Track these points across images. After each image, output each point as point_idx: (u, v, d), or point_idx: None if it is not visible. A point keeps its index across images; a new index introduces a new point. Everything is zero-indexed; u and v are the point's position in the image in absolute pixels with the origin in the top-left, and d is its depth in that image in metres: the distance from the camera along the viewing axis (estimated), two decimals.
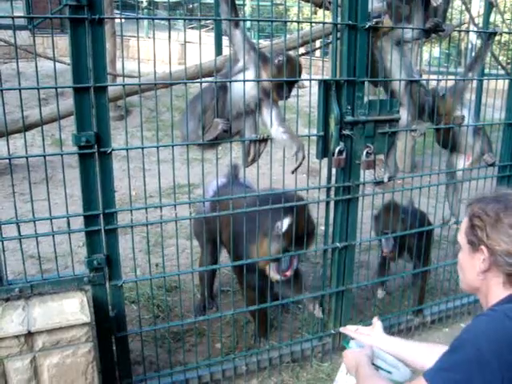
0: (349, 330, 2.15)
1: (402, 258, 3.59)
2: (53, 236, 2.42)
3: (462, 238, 1.65)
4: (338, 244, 3.03)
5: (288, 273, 2.97)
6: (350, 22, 2.70)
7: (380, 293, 3.87)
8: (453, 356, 1.42)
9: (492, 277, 1.55)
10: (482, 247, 1.54)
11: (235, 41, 2.62)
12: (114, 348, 2.64)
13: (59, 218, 2.44)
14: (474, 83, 4.86)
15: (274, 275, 2.97)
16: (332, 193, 3.00)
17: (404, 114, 3.08)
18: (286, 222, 2.84)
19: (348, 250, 3.07)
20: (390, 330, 3.39)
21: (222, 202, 2.80)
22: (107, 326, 2.56)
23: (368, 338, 2.03)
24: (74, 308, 2.35)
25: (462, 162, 3.52)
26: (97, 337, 2.53)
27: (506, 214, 1.50)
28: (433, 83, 3.50)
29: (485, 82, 4.33)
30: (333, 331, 3.21)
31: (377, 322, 2.07)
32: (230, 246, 2.98)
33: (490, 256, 1.52)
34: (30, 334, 2.21)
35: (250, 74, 2.69)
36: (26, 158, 2.28)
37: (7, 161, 2.34)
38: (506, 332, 1.37)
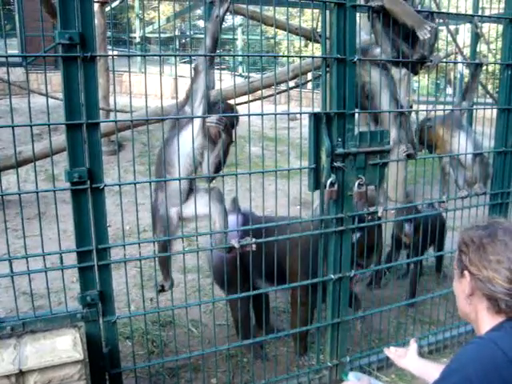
0: (390, 351, 2.32)
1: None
2: (45, 272, 2.41)
3: (454, 265, 1.71)
4: (332, 276, 3.02)
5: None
6: (339, 55, 2.74)
7: None
8: (445, 383, 1.44)
9: (477, 302, 1.59)
10: (465, 272, 1.59)
11: (199, 80, 2.62)
12: None
13: (52, 254, 2.43)
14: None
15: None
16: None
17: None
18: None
19: (342, 282, 3.06)
20: (387, 361, 3.36)
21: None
22: (101, 362, 2.52)
23: (401, 358, 2.22)
24: (66, 345, 2.32)
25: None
26: (90, 374, 2.48)
27: (489, 240, 1.55)
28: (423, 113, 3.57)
29: (474, 110, 4.42)
30: (329, 364, 3.18)
31: (413, 344, 2.24)
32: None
33: (472, 281, 1.57)
34: (21, 374, 2.17)
35: (196, 122, 2.69)
36: (19, 194, 2.29)
37: (0, 197, 2.34)
38: (492, 359, 1.39)
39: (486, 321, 1.57)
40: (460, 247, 1.64)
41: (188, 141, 2.65)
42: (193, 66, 2.62)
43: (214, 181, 2.85)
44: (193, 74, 2.64)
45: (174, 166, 2.68)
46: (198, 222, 2.71)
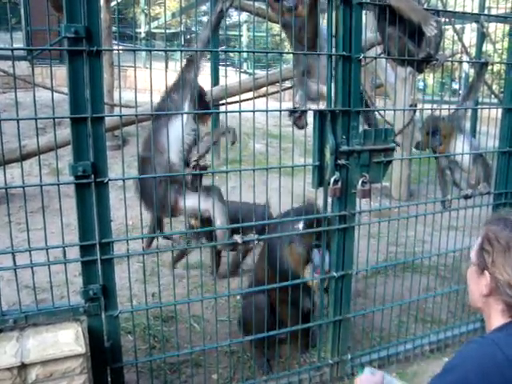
0: None
1: None
2: (48, 266, 2.41)
3: (473, 256, 1.63)
4: (334, 273, 3.02)
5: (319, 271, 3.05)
6: (345, 52, 2.74)
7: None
8: (443, 378, 1.47)
9: (492, 303, 1.55)
10: (486, 273, 1.53)
11: (190, 70, 2.71)
12: (109, 379, 2.60)
13: (55, 248, 2.43)
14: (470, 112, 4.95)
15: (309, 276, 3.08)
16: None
17: None
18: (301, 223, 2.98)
19: (345, 279, 3.06)
20: (388, 360, 3.37)
21: None
22: (102, 356, 2.53)
23: None
24: (68, 339, 2.32)
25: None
26: (92, 368, 2.49)
27: None
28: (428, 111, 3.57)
29: (478, 110, 4.42)
30: (330, 361, 3.18)
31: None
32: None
33: (491, 283, 1.52)
34: (23, 366, 2.18)
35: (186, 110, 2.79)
36: (23, 187, 2.29)
37: (4, 190, 2.34)
38: (491, 357, 1.40)
39: (497, 320, 1.55)
40: (483, 245, 1.55)
41: (179, 127, 2.71)
42: (186, 56, 2.67)
43: (216, 177, 2.86)
44: (184, 63, 2.72)
45: (165, 149, 2.73)
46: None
